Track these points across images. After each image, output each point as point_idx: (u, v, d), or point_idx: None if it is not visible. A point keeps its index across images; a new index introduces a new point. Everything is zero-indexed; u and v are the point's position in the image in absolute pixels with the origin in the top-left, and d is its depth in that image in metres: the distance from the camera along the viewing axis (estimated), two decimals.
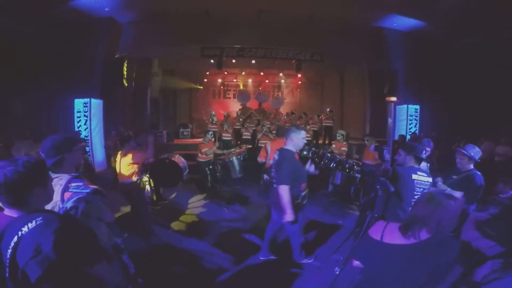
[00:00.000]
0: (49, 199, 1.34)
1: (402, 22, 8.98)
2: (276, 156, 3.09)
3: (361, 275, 1.69)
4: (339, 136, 6.66)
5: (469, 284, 1.28)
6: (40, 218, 1.13)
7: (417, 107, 9.75)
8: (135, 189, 4.17)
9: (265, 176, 4.80)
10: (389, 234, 1.52)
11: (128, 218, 4.40)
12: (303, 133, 3.07)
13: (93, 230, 1.47)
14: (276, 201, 3.00)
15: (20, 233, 1.09)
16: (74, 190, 1.61)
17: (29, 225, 1.10)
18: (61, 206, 1.55)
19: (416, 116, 9.75)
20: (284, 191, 2.87)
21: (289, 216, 2.90)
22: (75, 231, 1.20)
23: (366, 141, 6.23)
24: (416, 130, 9.57)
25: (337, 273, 3.05)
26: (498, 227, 1.75)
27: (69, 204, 1.54)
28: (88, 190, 1.63)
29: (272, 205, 3.37)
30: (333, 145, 6.63)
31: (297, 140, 3.02)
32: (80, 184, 1.66)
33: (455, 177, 2.91)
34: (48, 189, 1.30)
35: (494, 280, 1.15)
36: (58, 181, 1.63)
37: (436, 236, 1.41)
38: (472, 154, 2.83)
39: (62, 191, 1.59)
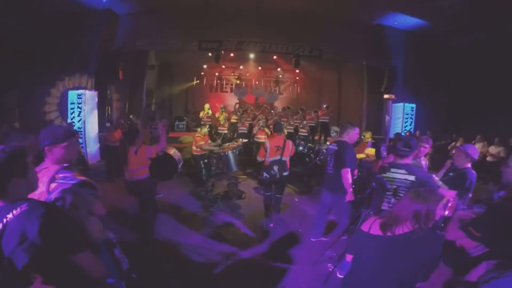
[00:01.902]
0: (31, 189, 1.30)
1: (403, 20, 8.96)
2: (334, 147, 3.66)
3: (351, 266, 1.73)
4: (333, 132, 6.68)
5: (466, 285, 1.29)
6: (25, 205, 1.12)
7: (413, 105, 9.80)
8: (149, 184, 4.04)
9: (265, 174, 4.61)
10: (375, 226, 1.59)
11: (125, 213, 4.36)
12: (357, 129, 3.74)
13: (76, 219, 1.45)
14: (335, 185, 3.57)
15: (4, 220, 1.08)
16: (61, 181, 1.57)
17: (14, 212, 1.09)
18: (47, 196, 1.51)
19: (412, 115, 9.81)
20: (347, 173, 3.41)
21: (350, 195, 3.40)
22: (60, 218, 1.19)
23: (361, 138, 6.21)
24: (411, 128, 9.64)
25: (331, 269, 3.08)
26: (484, 228, 1.75)
27: (53, 195, 1.50)
28: (74, 182, 1.59)
29: (328, 190, 3.82)
30: (328, 142, 6.63)
31: (352, 134, 3.67)
32: (68, 175, 1.62)
33: (451, 174, 2.93)
34: (29, 178, 1.25)
35: (492, 279, 1.16)
36: (46, 172, 1.59)
37: (419, 231, 1.44)
38: (469, 152, 2.85)
39: (48, 182, 1.55)
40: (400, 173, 2.57)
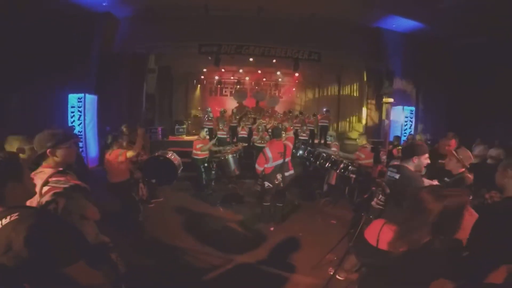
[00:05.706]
0: (28, 194, 1.29)
1: (401, 23, 9.01)
2: None
3: (363, 273, 1.63)
4: (328, 137, 6.72)
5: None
6: (16, 214, 1.09)
7: (413, 108, 9.80)
8: (127, 187, 4.09)
9: (267, 184, 4.43)
10: (384, 240, 1.42)
11: (120, 216, 4.33)
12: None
13: (77, 228, 1.43)
14: None
15: None
16: (53, 185, 1.56)
17: (3, 220, 1.07)
18: (39, 199, 1.50)
19: (412, 118, 9.81)
20: None
21: None
22: (51, 230, 1.14)
23: (357, 140, 6.17)
24: (411, 131, 9.64)
25: (331, 273, 3.06)
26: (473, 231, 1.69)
27: (45, 199, 1.49)
28: (66, 186, 1.58)
29: None
30: (334, 148, 6.57)
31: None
32: (61, 179, 1.61)
33: (447, 179, 2.91)
34: (25, 183, 1.24)
35: None
36: (40, 175, 1.59)
37: (437, 241, 1.30)
38: (461, 157, 2.82)
39: (41, 185, 1.54)
40: (390, 172, 2.57)
